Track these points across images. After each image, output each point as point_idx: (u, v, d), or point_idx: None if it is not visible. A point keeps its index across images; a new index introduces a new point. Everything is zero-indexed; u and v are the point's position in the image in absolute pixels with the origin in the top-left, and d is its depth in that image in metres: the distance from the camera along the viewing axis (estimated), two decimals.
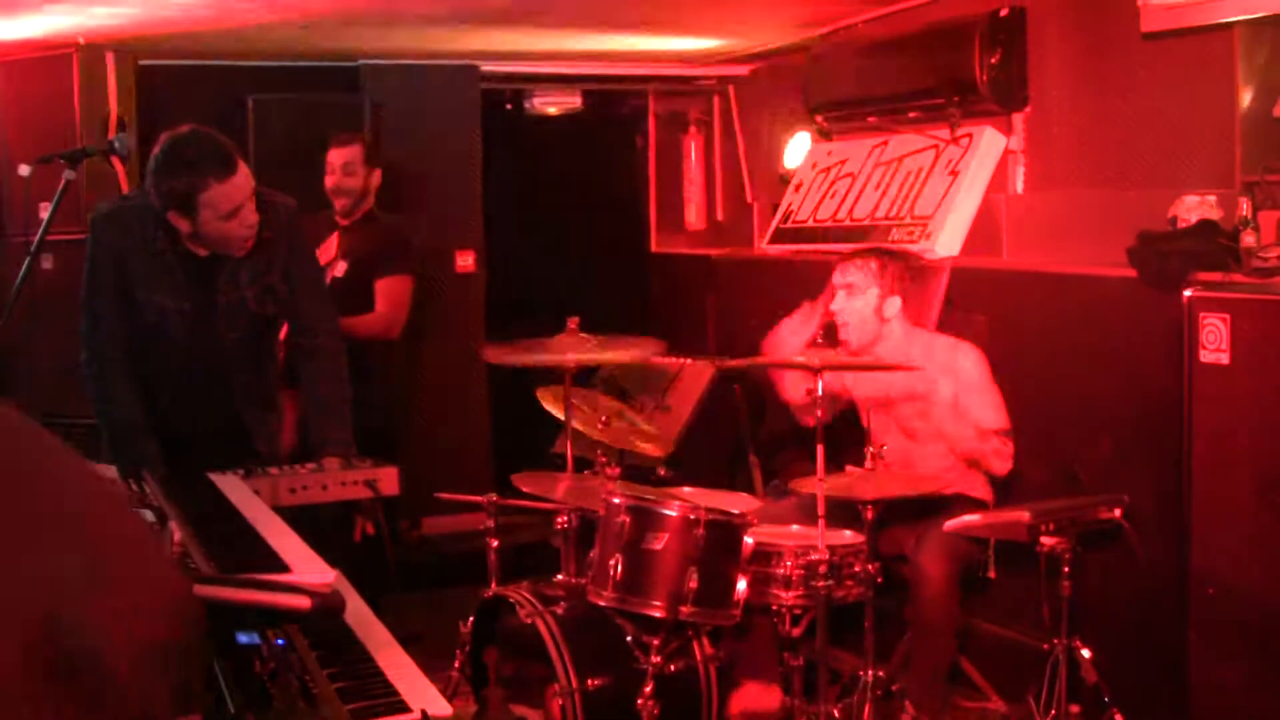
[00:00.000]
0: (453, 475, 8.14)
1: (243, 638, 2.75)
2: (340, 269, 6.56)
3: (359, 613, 3.25)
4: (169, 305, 4.73)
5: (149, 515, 3.27)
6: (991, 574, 5.43)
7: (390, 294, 6.67)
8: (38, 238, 4.67)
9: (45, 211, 4.73)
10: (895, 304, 5.57)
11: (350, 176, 6.71)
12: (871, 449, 4.99)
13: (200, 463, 4.44)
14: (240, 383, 4.86)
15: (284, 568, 2.87)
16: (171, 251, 4.69)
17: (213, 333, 4.76)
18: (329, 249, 6.60)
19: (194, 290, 4.73)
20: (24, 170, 4.87)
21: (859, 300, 5.56)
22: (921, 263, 5.78)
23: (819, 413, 4.76)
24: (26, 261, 4.60)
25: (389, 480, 4.46)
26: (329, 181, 6.71)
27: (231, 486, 3.87)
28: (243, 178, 4.52)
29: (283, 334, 5.82)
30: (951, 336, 5.67)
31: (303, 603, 2.64)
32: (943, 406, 5.45)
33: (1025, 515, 4.71)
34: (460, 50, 8.17)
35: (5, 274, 7.48)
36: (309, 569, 2.87)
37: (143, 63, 7.96)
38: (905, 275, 5.64)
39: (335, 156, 6.72)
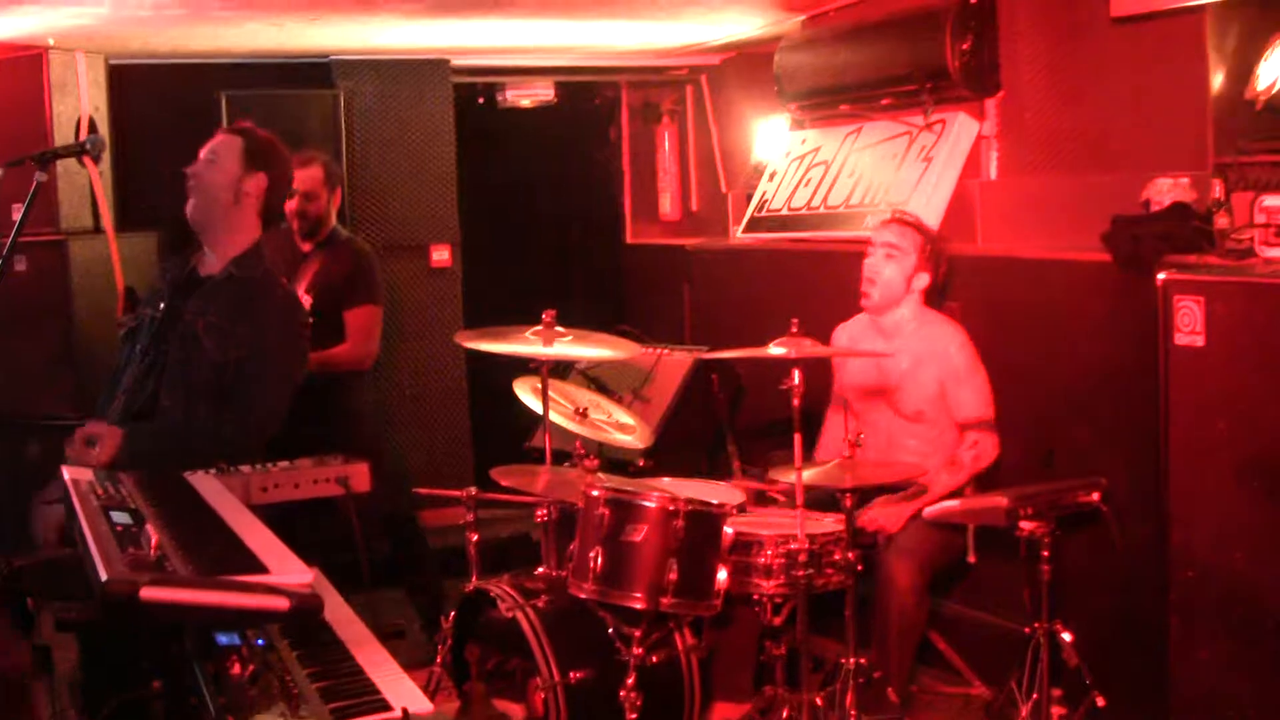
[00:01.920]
0: (433, 469, 8.17)
1: (222, 638, 2.75)
2: (306, 302, 6.46)
3: (338, 610, 3.25)
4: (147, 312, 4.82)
5: (125, 517, 3.25)
6: (971, 559, 5.46)
7: (360, 326, 6.65)
8: (10, 239, 4.65)
9: (18, 213, 4.70)
10: (923, 279, 5.67)
11: (311, 202, 6.67)
12: (849, 437, 4.98)
13: None
14: (165, 408, 4.80)
15: (262, 568, 2.86)
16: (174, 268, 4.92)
17: (166, 342, 4.80)
18: (284, 269, 6.52)
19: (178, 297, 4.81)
20: None
21: (895, 265, 5.64)
22: (946, 252, 5.79)
23: (796, 401, 4.76)
24: (0, 263, 4.57)
25: (360, 477, 4.46)
26: (289, 204, 6.55)
27: (207, 485, 3.86)
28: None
29: None
30: (943, 316, 5.70)
31: (281, 604, 2.64)
32: (927, 388, 5.51)
33: (1003, 500, 4.72)
34: (432, 45, 8.15)
35: None
36: (287, 569, 2.87)
37: (114, 62, 7.93)
38: (936, 255, 5.69)
39: (295, 181, 6.55)
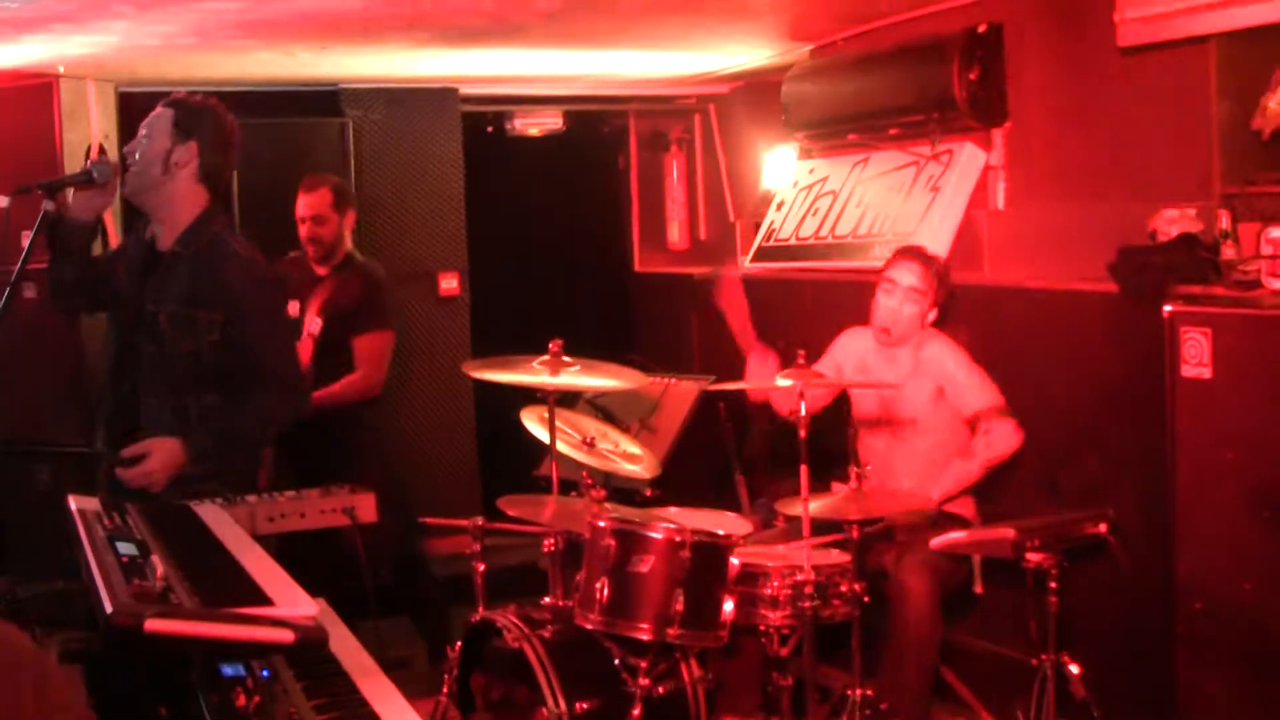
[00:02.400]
0: (440, 498, 8.17)
1: (227, 669, 2.74)
2: (316, 326, 6.50)
3: (344, 641, 3.25)
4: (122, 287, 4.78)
5: (131, 547, 3.25)
6: (978, 589, 5.45)
7: (369, 353, 6.60)
8: (19, 267, 4.64)
9: (26, 240, 4.71)
10: (934, 315, 5.71)
11: (322, 226, 6.64)
12: (856, 468, 4.98)
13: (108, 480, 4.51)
14: (150, 405, 4.66)
15: (267, 600, 2.86)
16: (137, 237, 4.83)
17: (135, 333, 4.70)
18: (297, 291, 6.54)
19: (136, 278, 4.74)
20: (2, 201, 4.86)
21: (915, 307, 5.66)
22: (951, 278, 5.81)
23: (802, 432, 4.77)
24: (8, 291, 4.58)
25: (366, 507, 4.44)
26: (301, 231, 6.63)
27: (213, 516, 3.86)
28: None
29: None
30: (924, 329, 5.73)
31: (286, 636, 2.64)
32: (920, 398, 5.53)
33: (1010, 532, 4.70)
34: (441, 73, 8.17)
35: None
36: (292, 601, 2.86)
37: (124, 89, 7.96)
38: (943, 287, 5.73)
39: (304, 206, 6.63)
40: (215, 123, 4.77)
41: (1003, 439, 5.48)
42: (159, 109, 4.77)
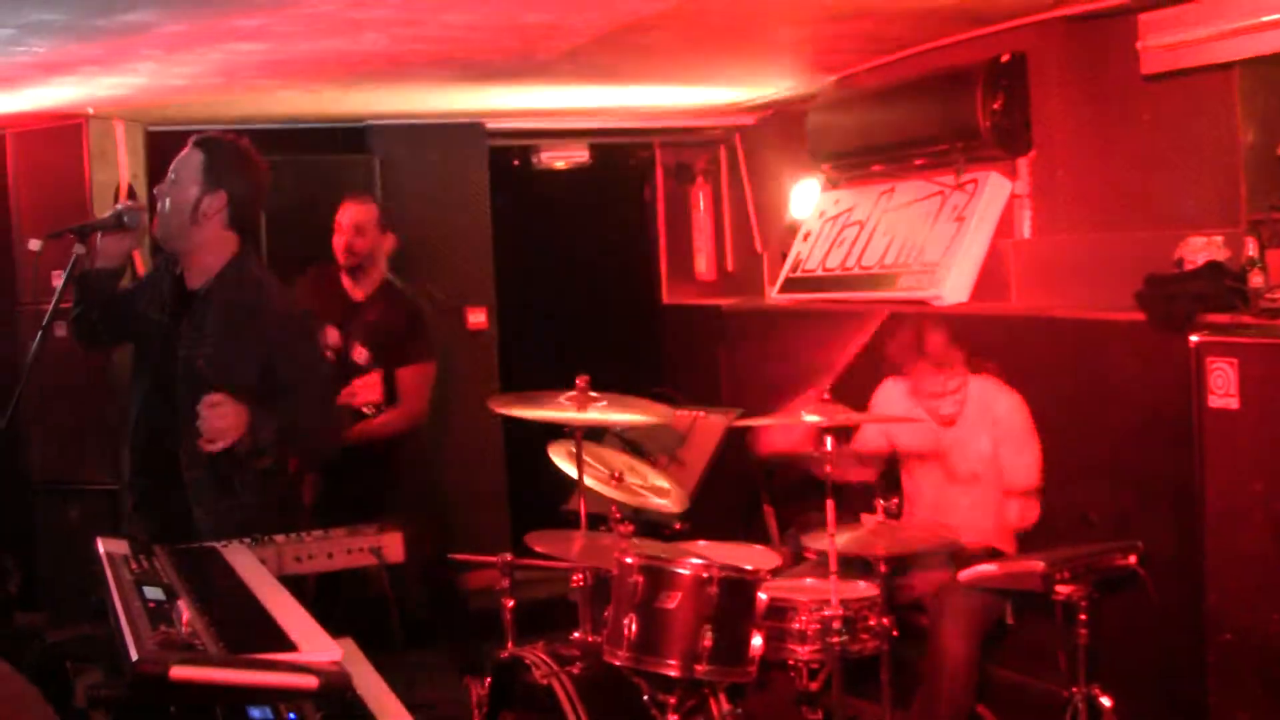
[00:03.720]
0: (470, 531, 8.18)
1: (255, 712, 2.75)
2: (362, 356, 6.48)
3: (369, 682, 3.25)
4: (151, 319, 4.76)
5: (158, 592, 3.27)
6: (1009, 620, 5.43)
7: (414, 385, 6.60)
8: (51, 307, 4.67)
9: (58, 279, 4.73)
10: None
11: (360, 237, 6.61)
12: (883, 503, 4.98)
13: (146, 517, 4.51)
14: (188, 444, 4.54)
15: (291, 645, 2.87)
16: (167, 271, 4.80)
17: (167, 371, 4.65)
18: (336, 318, 6.56)
19: (166, 316, 4.74)
20: (34, 245, 4.87)
21: (961, 394, 5.62)
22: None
23: (828, 466, 4.77)
24: (41, 331, 4.60)
25: (394, 547, 4.44)
26: (338, 241, 6.62)
27: (239, 558, 3.87)
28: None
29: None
30: (998, 381, 5.68)
31: (309, 683, 2.65)
32: (980, 451, 5.49)
33: (1039, 565, 4.69)
34: (466, 109, 8.21)
35: (19, 341, 7.53)
36: (316, 646, 2.87)
37: (152, 129, 8.01)
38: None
39: (346, 214, 6.63)
40: (244, 168, 4.74)
41: (1029, 517, 5.54)
42: (188, 149, 4.75)
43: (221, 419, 4.36)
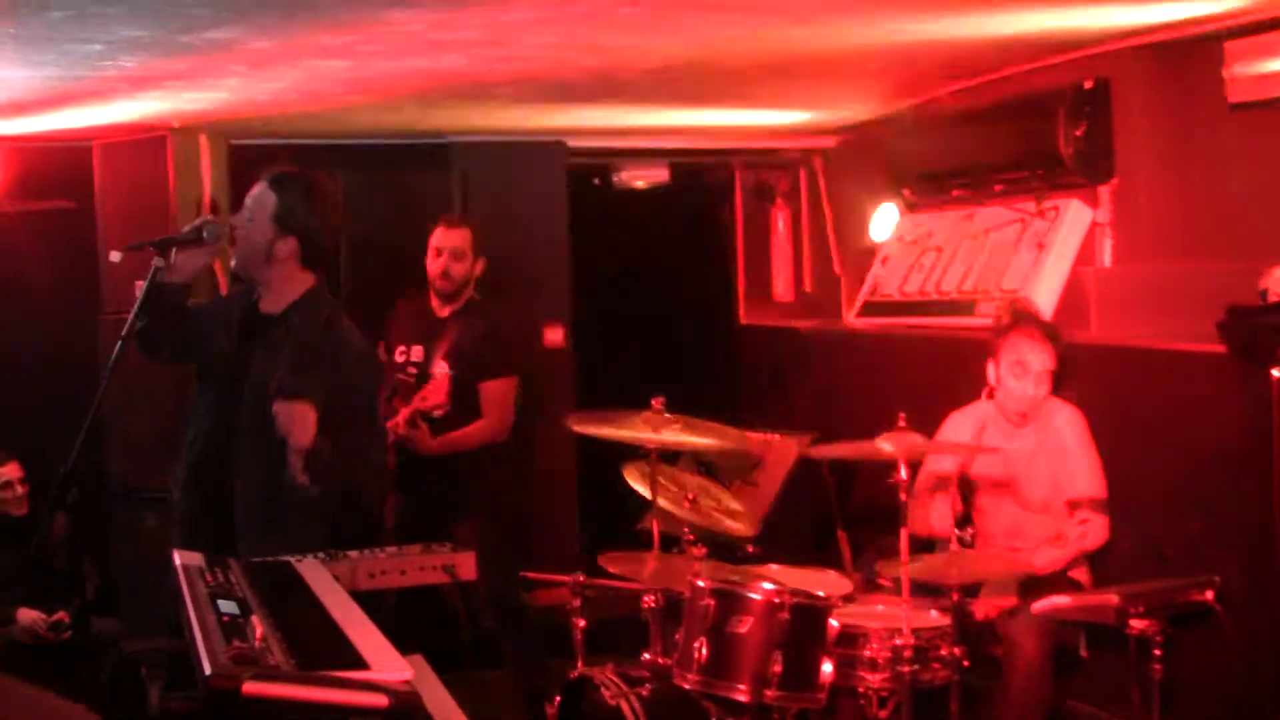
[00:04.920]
0: (542, 548, 8.19)
1: None
2: (441, 370, 6.45)
3: (439, 700, 3.27)
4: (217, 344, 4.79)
5: (232, 606, 3.29)
6: (1084, 653, 5.38)
7: (497, 399, 6.55)
8: (131, 316, 4.72)
9: (140, 289, 4.78)
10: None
11: (459, 261, 6.55)
12: (958, 531, 4.95)
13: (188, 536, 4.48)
14: (243, 464, 4.62)
15: (363, 663, 2.88)
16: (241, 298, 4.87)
17: (233, 391, 4.66)
18: (421, 335, 6.58)
19: (236, 339, 4.78)
20: (115, 257, 4.93)
21: (1046, 385, 5.57)
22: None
23: (903, 495, 4.74)
24: (120, 340, 4.65)
25: (466, 566, 4.45)
26: (435, 266, 6.56)
27: (313, 573, 3.89)
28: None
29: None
30: (1054, 397, 5.62)
31: (380, 701, 2.67)
32: (1048, 475, 5.44)
33: (1114, 599, 4.64)
34: (547, 126, 8.24)
35: (101, 349, 7.62)
36: (387, 665, 2.89)
37: (235, 143, 8.09)
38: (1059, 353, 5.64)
39: (444, 239, 6.58)
40: (316, 208, 4.78)
41: (1096, 534, 5.43)
42: (261, 188, 4.80)
43: (301, 415, 4.41)
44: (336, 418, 4.58)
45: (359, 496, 4.78)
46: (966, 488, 5.80)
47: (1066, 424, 5.52)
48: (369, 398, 4.83)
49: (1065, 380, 5.73)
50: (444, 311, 6.63)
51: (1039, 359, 5.55)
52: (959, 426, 5.79)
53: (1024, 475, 5.56)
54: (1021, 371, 5.56)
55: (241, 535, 4.54)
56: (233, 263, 4.91)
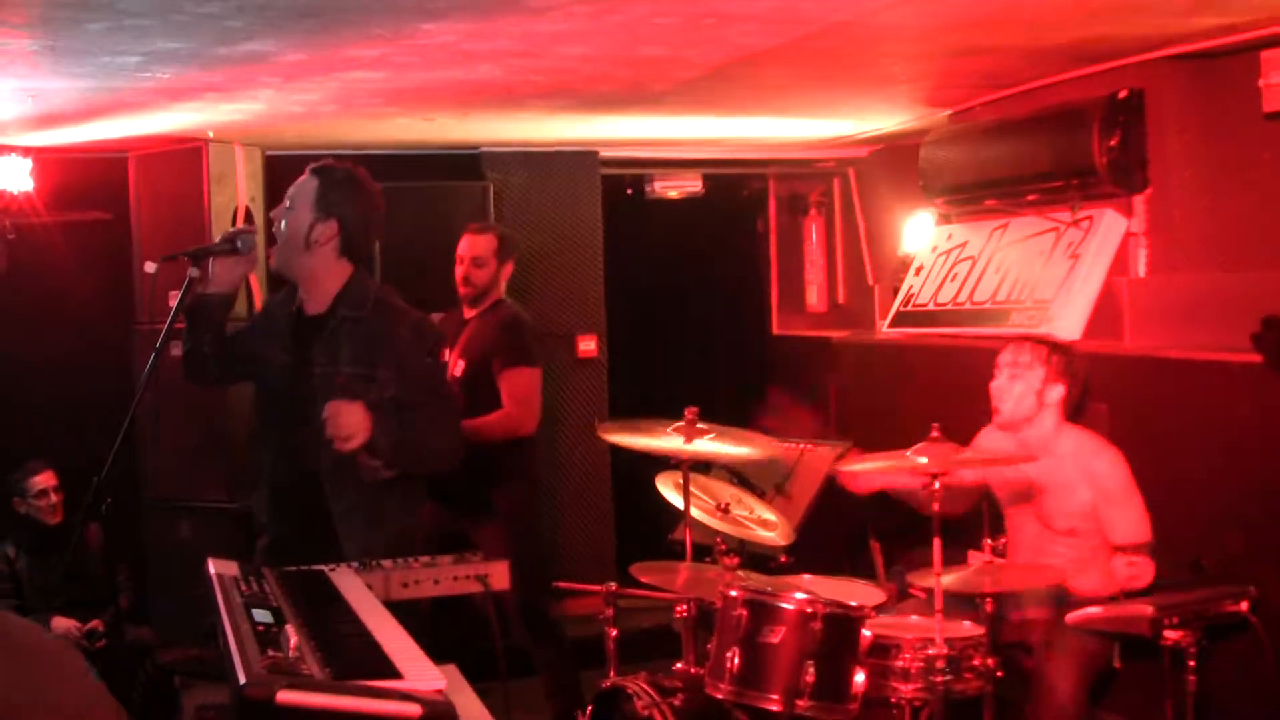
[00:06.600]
0: (574, 557, 8.21)
1: None
2: (459, 368, 6.46)
3: (472, 710, 3.28)
4: (273, 358, 4.79)
5: (266, 615, 3.31)
6: (1117, 664, 5.35)
7: (515, 388, 6.50)
8: (165, 327, 4.75)
9: (174, 300, 4.81)
10: (1057, 391, 5.52)
11: (479, 269, 6.60)
12: (990, 542, 4.93)
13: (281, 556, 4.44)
14: (332, 482, 4.63)
15: (396, 673, 2.90)
16: (283, 306, 4.87)
17: (305, 404, 4.63)
18: (455, 342, 6.56)
19: (289, 346, 4.79)
20: (150, 268, 4.96)
21: (1022, 382, 5.53)
22: (1082, 361, 5.67)
23: (935, 505, 4.73)
24: (155, 350, 4.68)
25: (499, 575, 4.45)
26: (458, 272, 6.63)
27: (347, 582, 3.91)
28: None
29: None
30: (1097, 437, 5.57)
31: (413, 711, 2.68)
32: (1078, 506, 5.39)
33: (1148, 610, 4.62)
34: (581, 136, 8.26)
35: (136, 360, 7.67)
36: (420, 674, 2.90)
37: (270, 153, 8.13)
38: (1070, 368, 5.57)
39: (466, 247, 6.64)
40: (357, 195, 4.80)
41: (1144, 576, 5.28)
42: (305, 176, 4.83)
43: (350, 414, 4.42)
44: (407, 393, 4.62)
45: (434, 471, 4.83)
46: (992, 498, 5.79)
47: (1111, 469, 5.41)
48: (432, 365, 4.83)
49: (1096, 393, 5.71)
50: (470, 314, 6.67)
51: (1008, 356, 5.57)
52: (993, 438, 5.76)
53: (1048, 499, 5.51)
54: (996, 372, 5.58)
55: (347, 537, 4.57)
56: (272, 263, 4.92)
